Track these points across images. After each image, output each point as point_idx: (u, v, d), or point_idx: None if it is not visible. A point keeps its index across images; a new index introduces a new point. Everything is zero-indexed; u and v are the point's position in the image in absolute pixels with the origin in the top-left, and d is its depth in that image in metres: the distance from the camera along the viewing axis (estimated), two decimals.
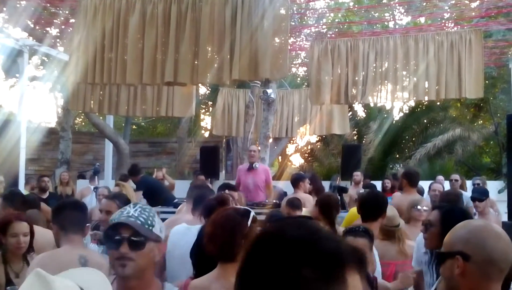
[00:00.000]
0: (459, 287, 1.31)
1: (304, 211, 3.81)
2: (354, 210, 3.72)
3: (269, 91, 7.37)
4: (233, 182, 5.70)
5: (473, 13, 8.60)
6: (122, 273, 1.49)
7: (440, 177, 6.93)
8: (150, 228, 1.53)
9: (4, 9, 6.95)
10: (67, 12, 7.22)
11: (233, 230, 1.73)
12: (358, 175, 7.29)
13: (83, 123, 18.16)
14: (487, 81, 10.75)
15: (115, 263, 1.49)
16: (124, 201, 2.70)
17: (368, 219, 3.03)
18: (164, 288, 1.59)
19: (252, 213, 1.82)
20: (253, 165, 5.62)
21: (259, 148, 7.15)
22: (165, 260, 2.80)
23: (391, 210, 3.25)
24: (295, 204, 3.70)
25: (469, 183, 6.86)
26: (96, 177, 7.17)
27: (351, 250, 0.69)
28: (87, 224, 2.38)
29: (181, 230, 2.82)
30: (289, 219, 1.45)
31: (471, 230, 1.33)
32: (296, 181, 5.08)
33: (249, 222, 1.76)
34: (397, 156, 13.95)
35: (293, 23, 8.49)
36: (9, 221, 2.60)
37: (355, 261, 0.68)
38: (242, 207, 1.96)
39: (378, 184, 8.32)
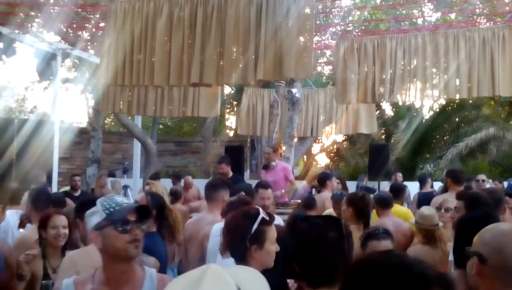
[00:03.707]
0: (477, 286, 1.36)
1: (327, 211, 3.75)
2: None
3: (294, 90, 7.35)
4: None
5: (507, 8, 8.26)
6: (137, 254, 1.64)
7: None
8: None
9: (39, 15, 7.24)
10: (98, 16, 7.44)
11: (235, 231, 1.86)
12: (400, 176, 7.59)
13: (112, 123, 18.70)
14: None
15: (127, 246, 1.60)
16: (156, 200, 2.80)
17: None
18: (144, 270, 1.71)
19: (261, 216, 1.85)
20: (269, 164, 5.67)
21: (283, 147, 7.12)
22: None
23: (428, 210, 3.18)
24: (308, 203, 3.64)
25: (505, 184, 6.63)
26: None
27: (436, 275, 0.83)
28: None
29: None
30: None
31: (494, 234, 1.36)
32: (323, 180, 4.99)
33: (255, 225, 1.81)
34: (427, 156, 13.49)
35: (318, 22, 8.41)
36: (49, 215, 2.76)
37: (440, 284, 0.81)
38: (254, 208, 1.96)
39: (411, 184, 8.10)
